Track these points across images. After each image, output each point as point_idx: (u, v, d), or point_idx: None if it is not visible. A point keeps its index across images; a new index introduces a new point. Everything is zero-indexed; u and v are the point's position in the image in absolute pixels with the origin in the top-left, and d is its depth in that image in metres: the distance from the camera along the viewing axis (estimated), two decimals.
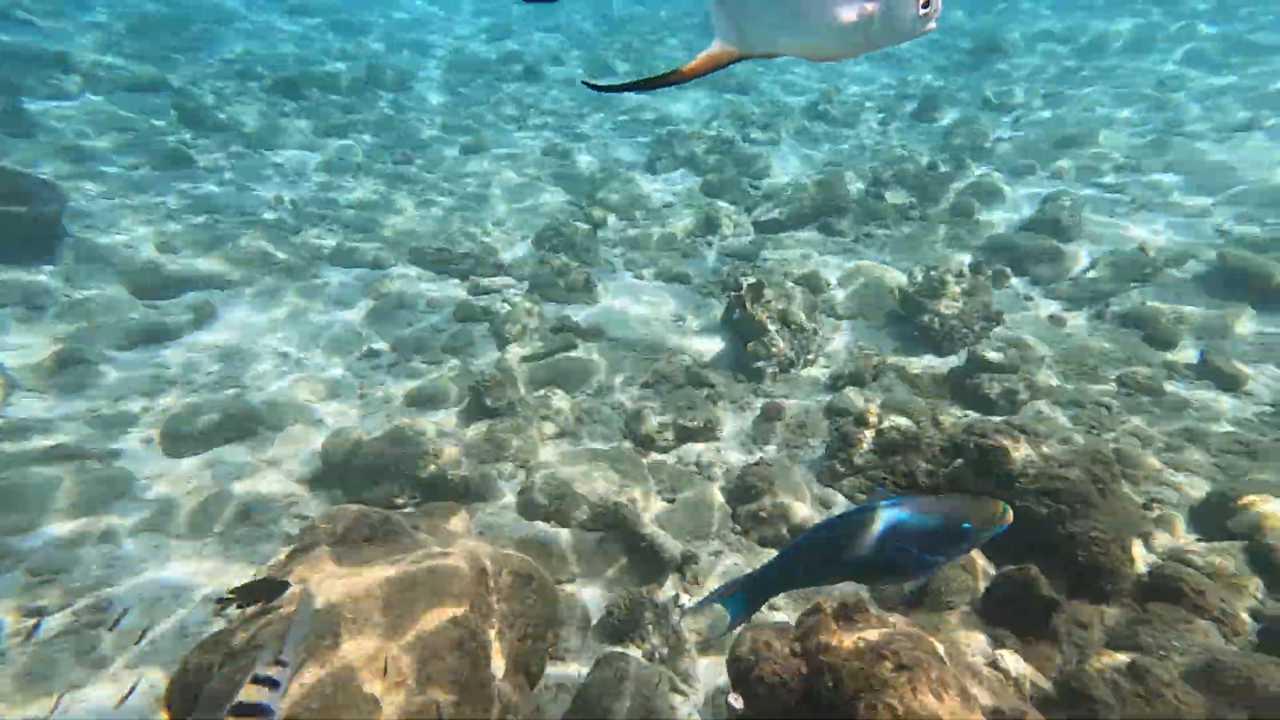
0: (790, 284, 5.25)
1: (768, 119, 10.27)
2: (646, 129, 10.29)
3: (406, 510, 3.38)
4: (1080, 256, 6.15)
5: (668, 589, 3.29)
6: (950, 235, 6.68)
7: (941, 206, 7.10)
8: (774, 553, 3.36)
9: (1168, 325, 5.11)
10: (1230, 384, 4.59)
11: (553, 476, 3.84)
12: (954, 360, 4.93)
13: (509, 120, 10.69)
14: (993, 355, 4.36)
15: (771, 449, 4.12)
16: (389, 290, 6.01)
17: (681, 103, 11.43)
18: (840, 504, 3.67)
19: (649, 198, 7.90)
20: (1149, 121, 9.27)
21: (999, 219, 6.99)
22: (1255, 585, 2.83)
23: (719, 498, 3.79)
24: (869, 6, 1.12)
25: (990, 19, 15.42)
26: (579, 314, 5.73)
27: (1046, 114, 9.92)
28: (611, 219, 7.46)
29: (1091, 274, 5.84)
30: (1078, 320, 5.48)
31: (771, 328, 4.71)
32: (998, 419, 4.19)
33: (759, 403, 4.57)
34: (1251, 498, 3.12)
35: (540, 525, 3.61)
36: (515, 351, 5.15)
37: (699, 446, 4.25)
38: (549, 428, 4.34)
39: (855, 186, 7.62)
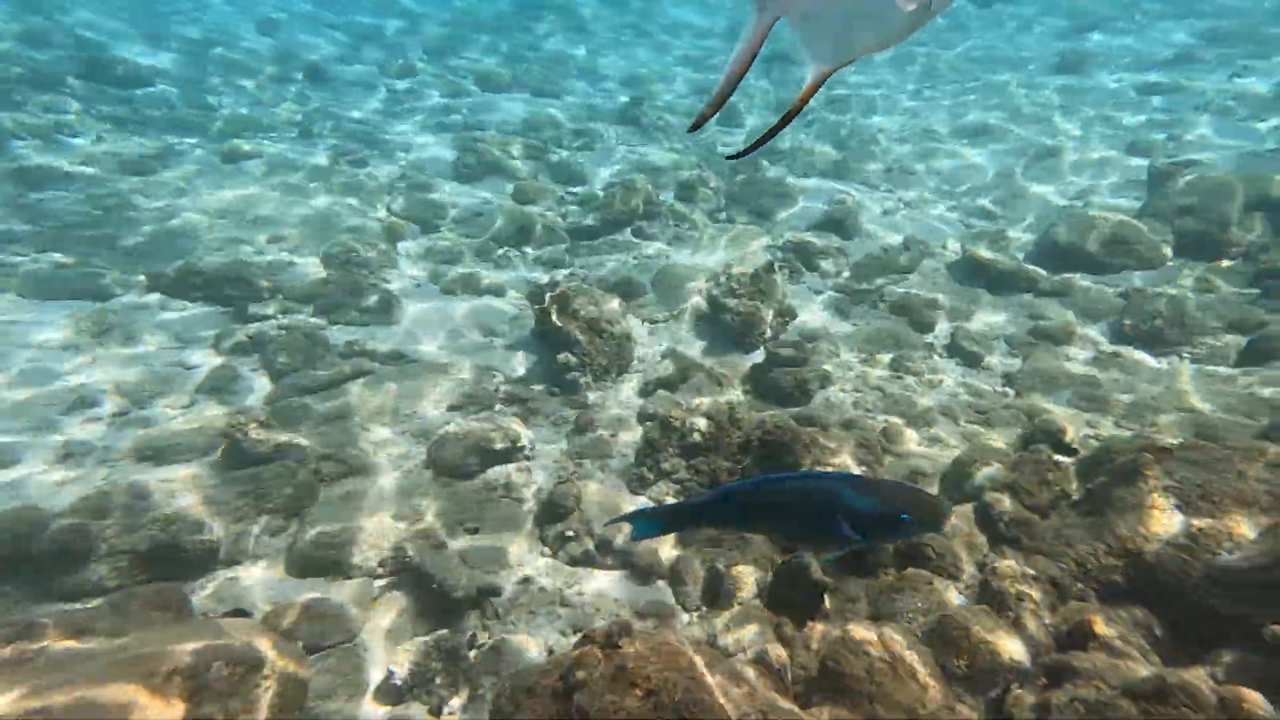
0: (601, 291, 5.27)
1: (584, 124, 10.35)
2: (455, 132, 9.89)
3: (90, 607, 2.74)
4: (859, 253, 6.91)
5: (469, 627, 3.09)
6: (754, 235, 7.16)
7: (747, 208, 7.61)
8: (593, 570, 3.30)
9: (926, 311, 5.89)
10: (973, 361, 5.39)
11: (330, 523, 3.44)
12: (758, 356, 5.26)
13: (290, 125, 9.69)
14: (785, 351, 4.70)
15: (586, 463, 4.07)
16: (111, 323, 5.09)
17: (497, 112, 11.12)
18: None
19: (456, 206, 7.58)
20: (907, 128, 10.72)
21: (794, 218, 7.64)
22: (983, 541, 3.28)
23: (527, 522, 3.65)
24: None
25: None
26: (374, 337, 5.28)
27: (832, 118, 11.06)
28: (413, 231, 7.03)
29: (854, 266, 6.58)
30: (860, 310, 6.13)
31: (582, 337, 4.68)
32: (793, 410, 4.56)
33: (572, 416, 4.51)
34: (977, 463, 3.63)
35: (312, 583, 3.21)
36: (289, 384, 4.60)
37: (507, 469, 4.07)
38: (331, 467, 3.90)
39: (667, 190, 7.91)
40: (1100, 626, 2.49)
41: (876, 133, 10.13)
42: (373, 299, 5.61)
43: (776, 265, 6.55)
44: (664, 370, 4.80)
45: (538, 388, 4.74)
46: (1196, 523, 2.80)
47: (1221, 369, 5.09)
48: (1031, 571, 2.91)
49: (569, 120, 10.58)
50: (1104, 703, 1.89)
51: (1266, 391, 4.68)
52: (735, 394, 4.61)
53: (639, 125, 10.47)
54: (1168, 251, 6.52)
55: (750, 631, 2.60)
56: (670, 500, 3.66)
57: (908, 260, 6.54)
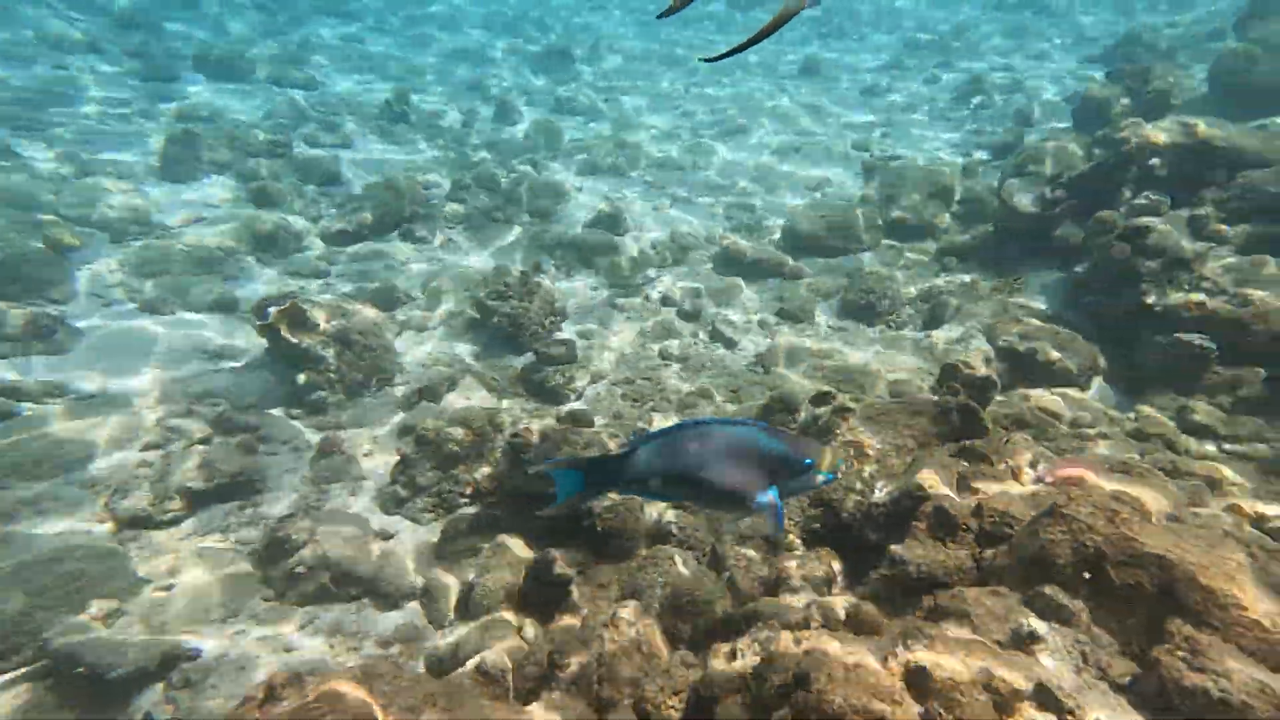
0: (354, 300, 4.99)
1: (337, 119, 9.61)
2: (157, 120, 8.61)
3: None
4: (632, 248, 7.35)
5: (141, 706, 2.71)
6: (530, 235, 7.25)
7: (522, 207, 7.68)
8: (329, 606, 3.13)
9: (690, 302, 6.47)
10: (730, 344, 6.06)
11: None
12: (530, 357, 5.38)
13: None
14: (555, 350, 4.88)
15: (334, 487, 3.85)
16: None
17: (229, 97, 9.87)
18: (406, 528, 3.64)
19: (171, 210, 6.62)
20: (679, 124, 11.62)
21: (570, 216, 7.89)
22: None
23: (245, 565, 3.36)
24: None
25: (573, 28, 17.35)
26: (38, 370, 4.44)
27: (615, 114, 11.55)
28: (100, 240, 6.00)
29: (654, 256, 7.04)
30: (633, 302, 6.55)
31: (328, 352, 4.39)
32: (564, 407, 4.75)
33: (317, 438, 4.23)
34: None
35: None
36: None
37: (223, 508, 3.70)
38: None
39: (440, 190, 7.69)
40: (797, 570, 2.99)
41: (655, 129, 10.79)
42: (35, 323, 4.63)
43: (553, 265, 6.73)
44: (431, 378, 4.70)
45: (275, 412, 4.36)
46: (866, 469, 3.47)
47: (912, 334, 6.31)
48: (762, 530, 3.39)
49: (320, 113, 9.74)
50: (770, 639, 2.31)
51: (941, 347, 5.92)
52: (505, 399, 4.68)
53: (407, 122, 9.99)
54: (879, 236, 7.88)
55: (486, 639, 2.70)
56: (429, 517, 3.62)
57: (675, 254, 7.11)
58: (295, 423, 4.28)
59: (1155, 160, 6.26)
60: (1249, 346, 4.51)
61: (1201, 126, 6.20)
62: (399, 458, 3.76)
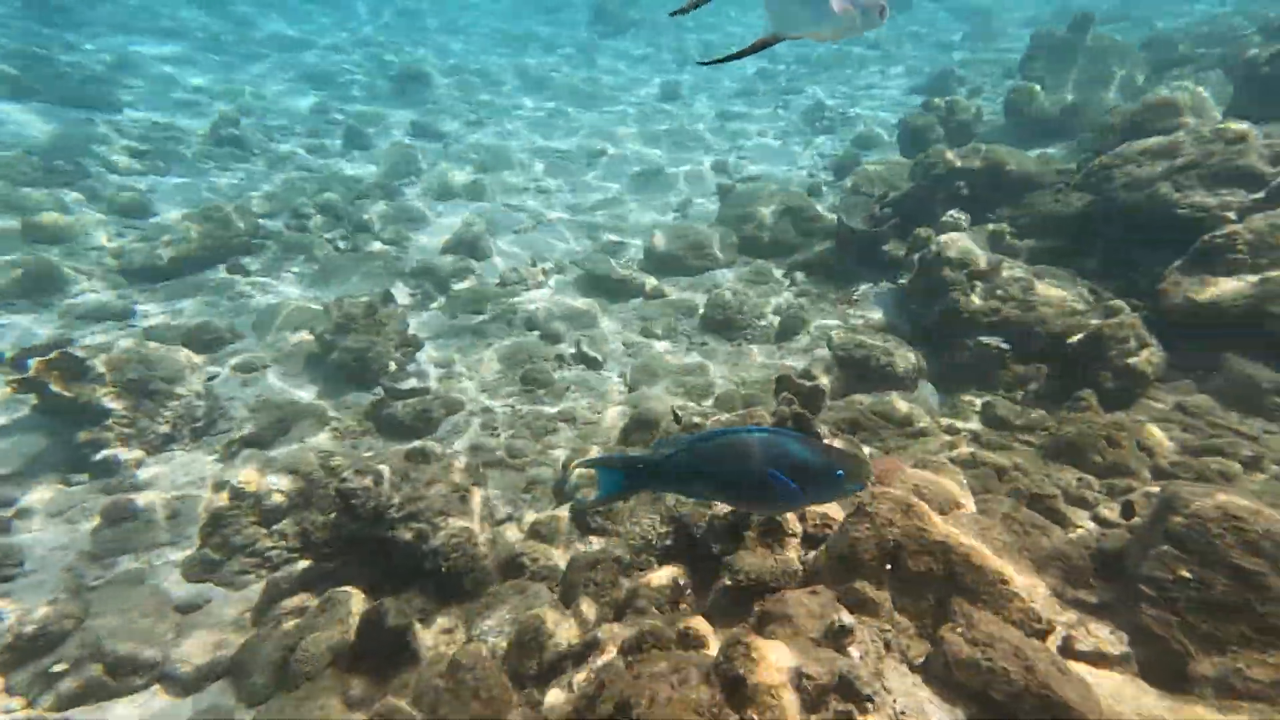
0: (154, 346, 4.47)
1: (147, 142, 8.70)
2: None
3: None
4: (494, 272, 7.25)
5: None
6: (383, 263, 6.94)
7: (373, 235, 7.34)
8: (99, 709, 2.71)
9: (554, 325, 6.47)
10: (594, 365, 6.12)
11: None
12: (379, 392, 5.11)
13: None
14: (406, 383, 4.67)
15: (126, 559, 3.40)
16: None
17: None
18: (218, 596, 3.28)
19: None
20: (542, 147, 11.70)
21: (427, 243, 7.64)
22: (576, 537, 3.73)
23: None
24: (848, 6, 1.79)
25: (419, 51, 16.99)
26: None
27: (473, 138, 11.40)
28: None
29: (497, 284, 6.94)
30: (494, 328, 6.43)
31: (115, 404, 3.90)
32: (417, 442, 4.54)
33: (102, 504, 3.72)
34: (574, 462, 4.11)
35: None
36: None
37: None
38: None
39: (279, 219, 7.16)
40: (645, 588, 3.04)
41: (514, 154, 10.74)
42: None
43: (409, 293, 6.46)
44: (258, 424, 4.32)
45: (46, 478, 3.79)
46: None
47: (766, 346, 6.72)
48: (613, 553, 3.41)
49: (130, 135, 8.75)
50: (605, 667, 2.33)
51: (789, 360, 6.34)
52: (350, 438, 4.39)
53: (240, 146, 9.23)
54: (735, 253, 8.33)
55: (302, 712, 2.49)
56: (249, 578, 3.30)
57: (537, 277, 7.09)
58: (73, 489, 3.73)
59: (960, 182, 7.16)
60: (1034, 345, 5.24)
61: (996, 152, 7.18)
62: (209, 517, 3.39)
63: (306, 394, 4.95)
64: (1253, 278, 4.42)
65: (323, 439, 4.36)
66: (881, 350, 5.61)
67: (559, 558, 3.54)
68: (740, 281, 7.79)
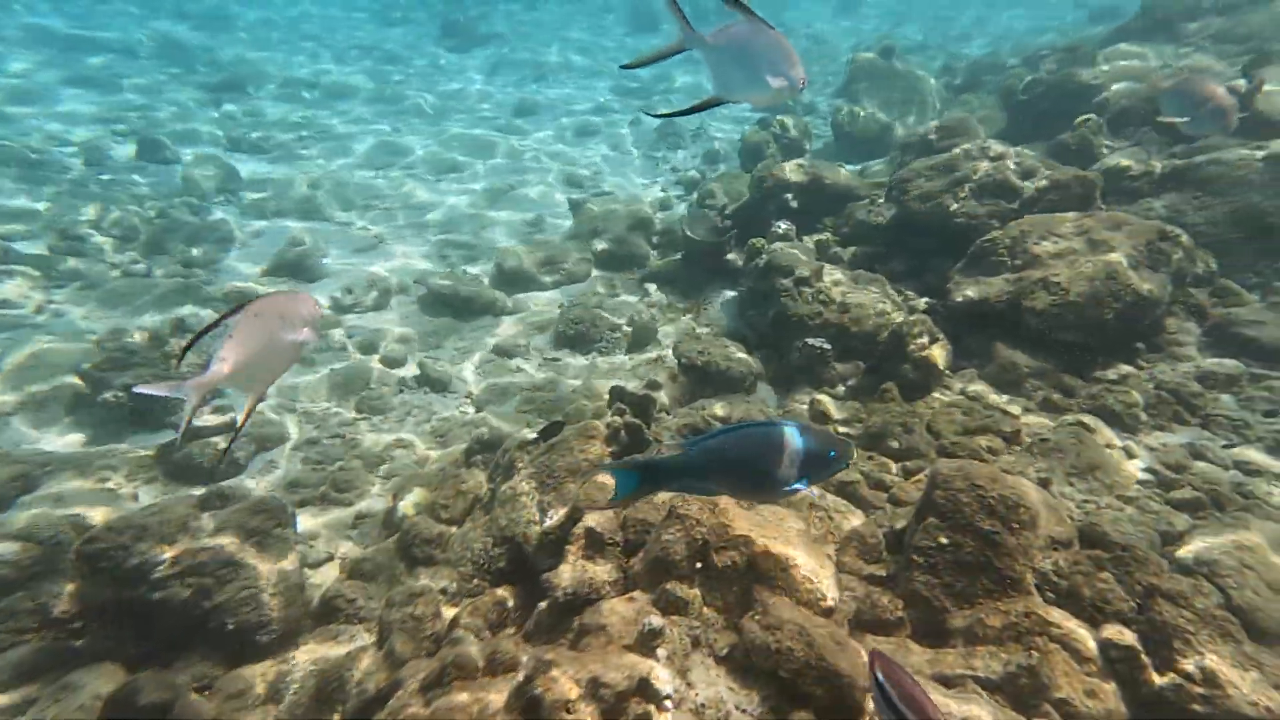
0: None
1: None
2: None
3: None
4: (325, 294, 6.83)
5: None
6: (180, 287, 6.29)
7: (173, 257, 6.64)
8: None
9: (395, 347, 6.21)
10: (440, 387, 5.94)
11: None
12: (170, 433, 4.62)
13: None
14: (211, 420, 4.25)
15: None
16: None
17: None
18: None
19: None
20: (387, 161, 11.25)
21: (242, 266, 7.06)
22: (402, 570, 3.58)
23: None
24: (781, 81, 2.28)
25: (251, 60, 15.75)
26: None
27: (305, 152, 10.71)
28: None
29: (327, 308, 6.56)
30: (323, 354, 6.05)
31: None
32: (220, 485, 4.14)
33: None
34: (403, 491, 3.96)
35: None
36: None
37: None
38: None
39: (38, 242, 6.28)
40: (465, 617, 2.99)
41: (352, 168, 10.21)
42: None
43: (186, 322, 5.91)
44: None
45: None
46: (544, 498, 3.64)
47: (619, 358, 6.89)
48: (438, 584, 3.31)
49: None
50: (402, 707, 2.27)
51: (642, 368, 6.53)
52: (128, 488, 3.92)
53: None
54: (589, 267, 8.47)
55: None
56: None
57: (376, 298, 6.77)
58: None
59: (789, 195, 7.79)
60: (852, 344, 5.80)
61: (817, 167, 7.88)
62: None
63: (67, 442, 4.34)
64: (1012, 276, 5.20)
65: (90, 492, 3.84)
66: (721, 357, 5.94)
67: (380, 595, 3.39)
68: (593, 295, 7.93)
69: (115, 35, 15.09)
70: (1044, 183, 5.69)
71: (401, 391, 5.76)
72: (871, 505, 3.80)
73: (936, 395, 5.06)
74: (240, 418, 2.07)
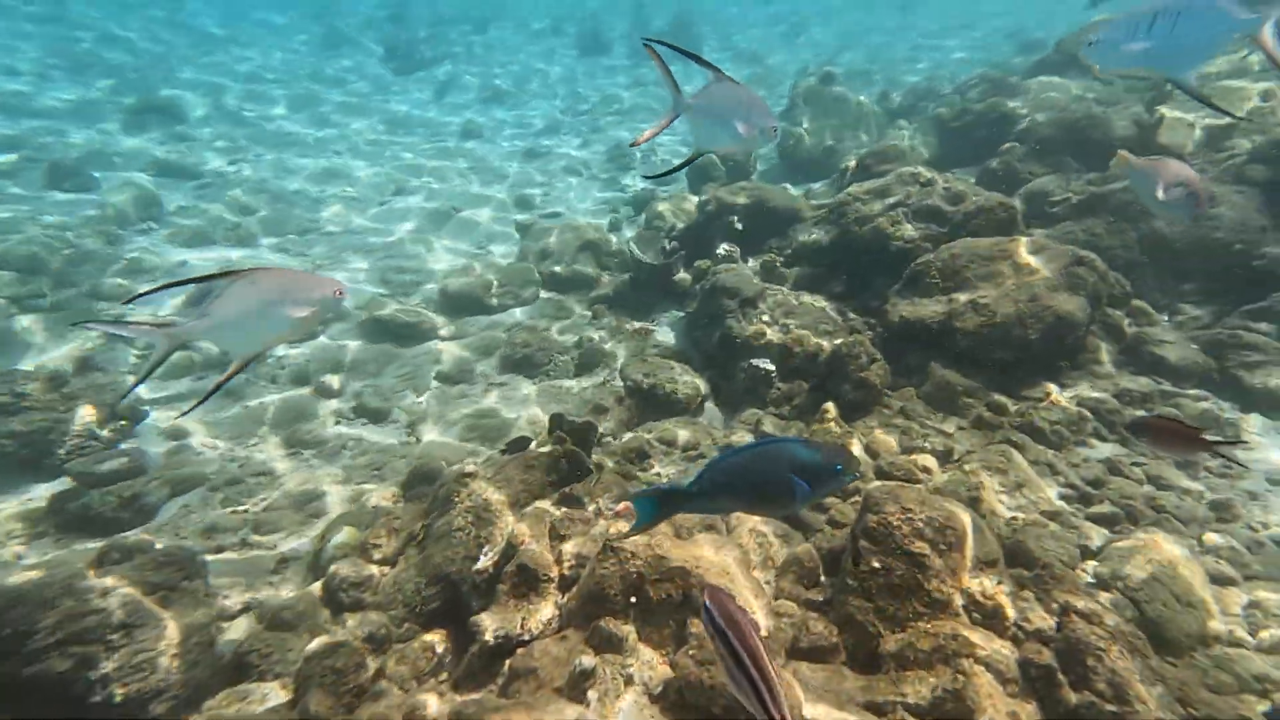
0: None
1: None
2: None
3: None
4: None
5: None
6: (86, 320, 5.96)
7: (79, 289, 6.29)
8: None
9: (331, 377, 6.01)
10: (379, 417, 5.76)
11: None
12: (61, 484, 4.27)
13: None
14: (109, 465, 4.00)
15: None
16: None
17: None
18: None
19: None
20: (325, 186, 11.02)
21: (161, 296, 6.74)
22: (327, 617, 3.42)
23: None
24: (751, 131, 2.57)
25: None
26: None
27: (242, 176, 10.37)
28: None
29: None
30: (252, 386, 5.81)
31: None
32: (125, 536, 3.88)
33: None
34: (330, 531, 3.80)
35: None
36: None
37: None
38: None
39: None
40: (392, 665, 2.87)
41: (291, 194, 9.94)
42: None
43: (137, 355, 5.61)
44: None
45: None
46: (482, 533, 3.55)
47: (567, 381, 6.83)
48: (365, 631, 3.16)
49: None
50: None
51: (590, 391, 6.49)
52: (11, 546, 3.64)
53: None
54: (537, 290, 8.41)
55: None
56: None
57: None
58: None
59: (734, 217, 7.94)
60: (794, 364, 5.91)
61: (761, 190, 8.06)
62: None
63: None
64: (944, 298, 5.40)
65: None
66: (667, 379, 5.96)
67: (301, 645, 3.22)
68: (542, 318, 7.87)
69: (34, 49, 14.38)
70: (971, 208, 5.96)
71: (337, 423, 5.57)
72: (811, 528, 3.84)
73: (876, 414, 5.19)
74: (221, 379, 2.19)
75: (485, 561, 3.21)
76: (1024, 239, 5.38)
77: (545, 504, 3.54)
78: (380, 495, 4.49)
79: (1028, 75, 9.99)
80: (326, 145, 12.93)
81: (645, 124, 16.64)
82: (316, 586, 3.47)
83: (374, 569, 3.42)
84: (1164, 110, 6.55)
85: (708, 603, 1.90)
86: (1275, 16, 2.04)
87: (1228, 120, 6.73)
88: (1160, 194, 3.39)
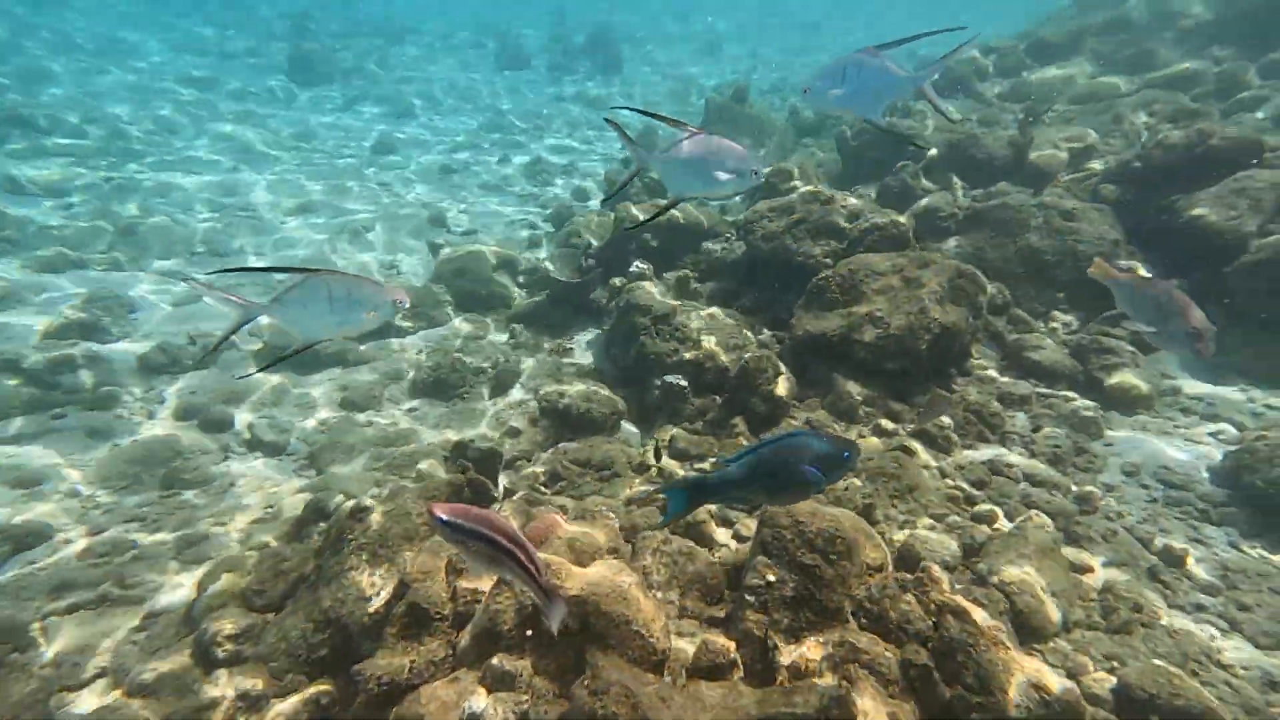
0: None
1: None
2: None
3: None
4: (132, 354, 6.13)
5: None
6: None
7: None
8: None
9: (220, 408, 5.66)
10: (275, 451, 5.46)
11: None
12: None
13: None
14: None
15: None
16: None
17: None
18: None
19: None
20: (214, 203, 10.45)
21: (16, 321, 6.18)
22: (199, 675, 3.19)
23: None
24: (730, 176, 2.63)
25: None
26: None
27: (120, 193, 9.68)
28: None
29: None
30: (115, 423, 5.39)
31: None
32: None
33: None
34: (209, 577, 3.56)
35: None
36: None
37: None
38: None
39: None
40: (285, 709, 2.71)
41: (179, 212, 9.34)
42: None
43: None
44: None
45: None
46: (376, 571, 3.42)
47: (481, 404, 6.70)
48: (238, 690, 2.97)
49: None
50: None
51: (505, 413, 6.38)
52: None
53: None
54: (450, 311, 8.24)
55: None
56: None
57: (196, 354, 6.16)
58: None
59: (648, 234, 8.05)
60: (708, 379, 6.04)
61: (678, 209, 8.21)
62: None
63: None
64: (844, 312, 5.67)
65: None
66: (582, 398, 5.96)
67: (166, 711, 2.99)
68: (456, 338, 7.71)
69: None
70: (866, 225, 6.30)
71: (226, 459, 5.23)
72: (717, 543, 3.92)
73: (784, 425, 5.36)
74: (289, 353, 2.86)
75: (377, 602, 3.09)
76: (913, 254, 5.73)
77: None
78: (271, 535, 4.24)
79: (918, 97, 10.69)
80: (224, 160, 12.24)
81: (568, 139, 16.72)
82: (189, 641, 3.23)
83: (256, 617, 3.22)
84: (1034, 133, 7.16)
85: (442, 517, 2.00)
86: (932, 77, 2.72)
87: (1088, 142, 7.44)
88: (1158, 323, 2.91)
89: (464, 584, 2.96)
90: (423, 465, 5.24)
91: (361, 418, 6.09)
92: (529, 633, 2.71)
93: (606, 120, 2.88)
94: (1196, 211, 5.48)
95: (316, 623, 3.24)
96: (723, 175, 2.67)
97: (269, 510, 4.69)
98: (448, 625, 2.87)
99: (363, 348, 7.03)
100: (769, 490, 2.31)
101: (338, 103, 17.43)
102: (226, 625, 3.17)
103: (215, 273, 2.81)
